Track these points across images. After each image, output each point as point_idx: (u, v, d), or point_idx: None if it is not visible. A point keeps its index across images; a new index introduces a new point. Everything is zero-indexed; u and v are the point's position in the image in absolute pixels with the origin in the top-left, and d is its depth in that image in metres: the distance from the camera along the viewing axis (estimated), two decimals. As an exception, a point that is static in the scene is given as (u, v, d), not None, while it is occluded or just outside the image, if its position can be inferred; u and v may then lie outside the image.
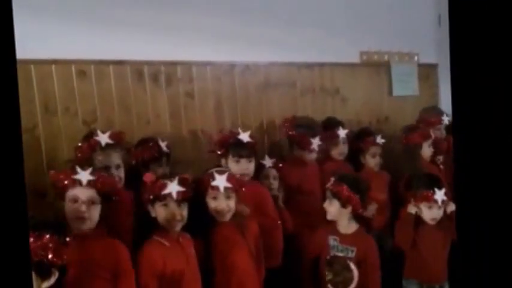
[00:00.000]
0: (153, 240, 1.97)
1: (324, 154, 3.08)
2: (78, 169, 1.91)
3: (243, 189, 2.17)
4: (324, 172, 2.86)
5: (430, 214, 2.45)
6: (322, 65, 3.47)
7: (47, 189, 2.26)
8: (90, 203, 1.88)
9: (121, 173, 2.28)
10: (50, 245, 1.53)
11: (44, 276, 1.52)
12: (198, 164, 2.64)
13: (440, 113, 3.50)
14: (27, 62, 2.39)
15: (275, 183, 2.66)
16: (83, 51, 2.56)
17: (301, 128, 2.90)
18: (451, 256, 2.52)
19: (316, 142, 2.84)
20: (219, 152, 2.49)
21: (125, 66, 2.74)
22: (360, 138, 3.18)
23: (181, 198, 1.95)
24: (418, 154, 3.09)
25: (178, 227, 1.98)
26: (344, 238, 2.37)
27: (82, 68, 2.61)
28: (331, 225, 2.42)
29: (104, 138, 2.27)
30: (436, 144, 3.26)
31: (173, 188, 1.94)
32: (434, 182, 2.48)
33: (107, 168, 2.21)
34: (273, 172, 2.68)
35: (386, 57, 3.82)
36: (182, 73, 2.92)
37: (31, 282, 1.36)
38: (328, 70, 3.52)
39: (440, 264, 2.52)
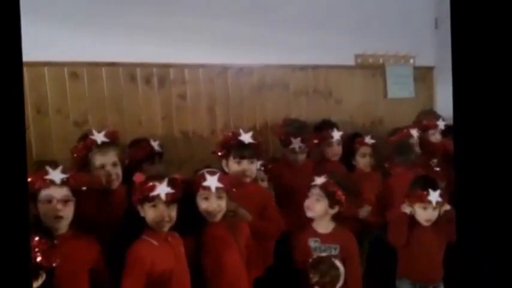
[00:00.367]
0: (142, 239, 1.96)
1: (319, 155, 3.09)
2: (49, 169, 1.91)
3: (234, 189, 2.16)
4: (318, 172, 2.85)
5: (425, 215, 2.44)
6: (316, 67, 3.48)
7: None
8: (65, 201, 1.88)
9: (118, 170, 2.28)
10: (38, 248, 1.55)
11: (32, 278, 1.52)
12: (190, 165, 2.64)
13: (436, 117, 3.49)
14: (20, 64, 2.40)
15: (263, 184, 2.67)
16: (76, 53, 2.58)
17: (288, 128, 2.92)
18: (447, 258, 2.51)
19: (296, 142, 2.85)
20: (219, 153, 2.47)
21: (118, 68, 2.75)
22: (351, 141, 3.20)
23: (170, 200, 1.95)
24: (411, 148, 3.08)
25: (166, 227, 1.97)
26: (325, 237, 2.38)
27: (75, 70, 2.63)
28: (309, 227, 2.44)
29: (99, 137, 2.27)
30: (430, 147, 3.26)
31: (162, 189, 1.93)
32: (429, 183, 2.47)
33: (103, 166, 2.22)
34: (261, 174, 2.68)
35: (381, 60, 3.82)
36: (175, 75, 2.94)
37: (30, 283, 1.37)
38: (322, 72, 3.53)
39: (434, 265, 2.51)
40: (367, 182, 2.99)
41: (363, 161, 3.14)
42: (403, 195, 2.53)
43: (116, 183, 2.26)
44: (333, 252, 2.34)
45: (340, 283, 2.28)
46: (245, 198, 2.31)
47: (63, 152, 2.39)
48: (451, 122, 3.50)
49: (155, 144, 2.59)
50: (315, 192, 2.38)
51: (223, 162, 2.47)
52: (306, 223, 2.45)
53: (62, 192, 1.88)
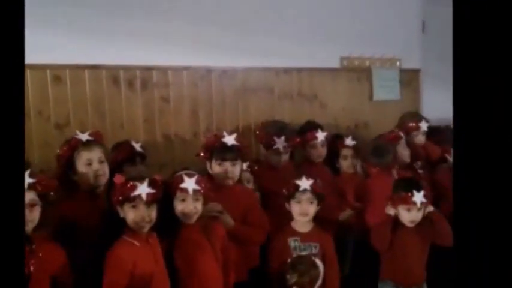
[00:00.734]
0: (123, 240, 1.95)
1: (302, 157, 3.09)
2: None
3: (211, 193, 2.15)
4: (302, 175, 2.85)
5: (409, 216, 2.44)
6: (300, 70, 3.49)
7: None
8: (31, 205, 1.85)
9: (105, 167, 2.27)
10: None
11: None
12: (171, 168, 2.63)
13: (420, 119, 3.49)
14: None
15: (249, 186, 2.67)
16: (58, 56, 2.58)
17: (271, 129, 2.92)
18: (430, 259, 2.52)
19: (280, 142, 2.85)
20: (201, 154, 2.48)
21: (101, 71, 2.75)
22: (334, 143, 3.19)
23: (151, 200, 1.94)
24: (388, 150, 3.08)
25: (146, 228, 1.96)
26: (304, 236, 2.41)
27: (57, 73, 2.62)
28: (288, 227, 2.45)
29: (84, 136, 2.26)
30: (413, 150, 3.27)
31: (143, 189, 1.93)
32: (413, 185, 2.47)
33: (90, 163, 2.21)
34: (247, 175, 2.68)
35: (367, 63, 3.84)
36: (158, 78, 2.93)
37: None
38: (307, 75, 3.53)
39: (417, 266, 2.51)
40: (350, 184, 3.00)
41: (345, 163, 3.14)
42: (382, 197, 2.53)
43: (103, 180, 2.24)
44: (313, 251, 2.36)
45: (319, 282, 2.28)
46: (230, 200, 2.31)
47: (43, 154, 2.37)
48: (435, 124, 3.54)
49: (137, 146, 2.57)
50: (307, 196, 2.40)
51: (208, 164, 2.47)
52: (285, 223, 2.46)
53: (28, 196, 1.82)
